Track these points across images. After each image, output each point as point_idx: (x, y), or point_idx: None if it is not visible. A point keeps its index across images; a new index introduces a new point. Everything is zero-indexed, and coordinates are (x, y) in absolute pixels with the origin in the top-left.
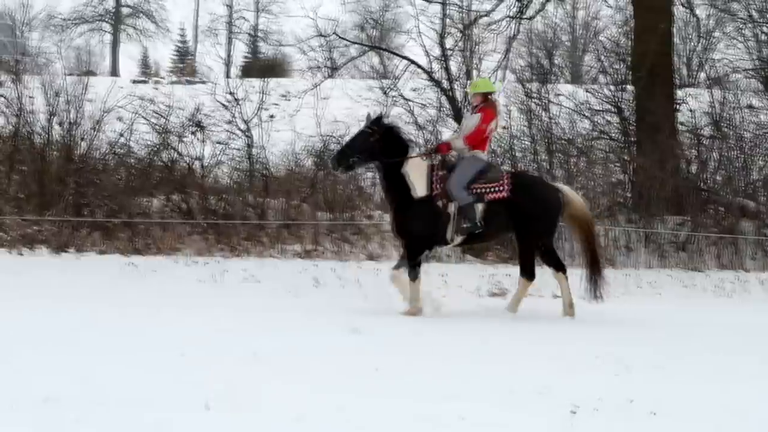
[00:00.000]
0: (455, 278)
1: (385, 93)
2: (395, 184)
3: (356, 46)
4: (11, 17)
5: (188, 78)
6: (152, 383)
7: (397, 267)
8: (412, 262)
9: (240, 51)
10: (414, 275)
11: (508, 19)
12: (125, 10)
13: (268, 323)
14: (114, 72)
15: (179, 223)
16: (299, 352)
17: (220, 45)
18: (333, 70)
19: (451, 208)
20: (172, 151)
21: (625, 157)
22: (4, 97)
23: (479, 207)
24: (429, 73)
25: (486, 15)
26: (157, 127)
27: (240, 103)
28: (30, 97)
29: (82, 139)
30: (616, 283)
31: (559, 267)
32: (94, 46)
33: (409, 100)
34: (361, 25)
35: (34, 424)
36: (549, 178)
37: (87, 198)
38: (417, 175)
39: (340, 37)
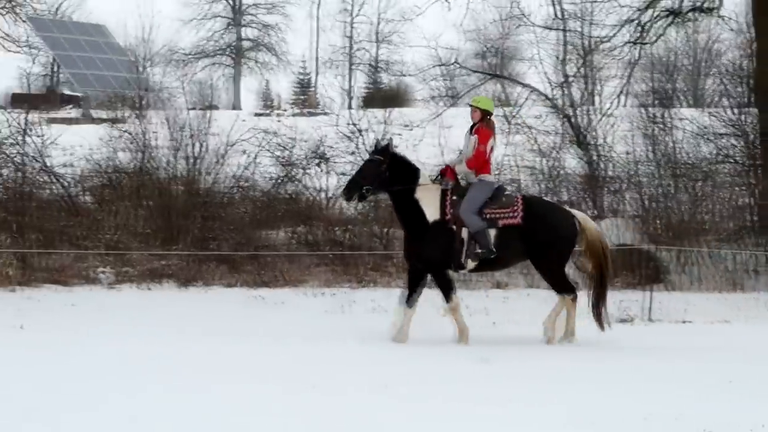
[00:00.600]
0: (583, 305)
1: (507, 120)
2: (409, 211)
3: (477, 74)
4: (134, 53)
5: (310, 110)
6: (285, 415)
7: (410, 302)
8: (445, 288)
9: (361, 81)
10: (450, 298)
11: (628, 44)
12: (246, 44)
13: (397, 353)
14: (235, 105)
15: (305, 255)
16: (429, 381)
17: (341, 76)
18: (454, 98)
19: (464, 234)
20: (297, 183)
21: (751, 181)
22: (129, 133)
23: (492, 233)
24: (550, 100)
25: (606, 41)
26: (280, 159)
27: (363, 133)
28: (153, 132)
29: (207, 173)
30: (746, 306)
31: (566, 291)
32: (215, 80)
33: (531, 128)
34: (481, 54)
35: None
36: (566, 204)
37: (212, 231)
38: (430, 200)
39: (460, 66)
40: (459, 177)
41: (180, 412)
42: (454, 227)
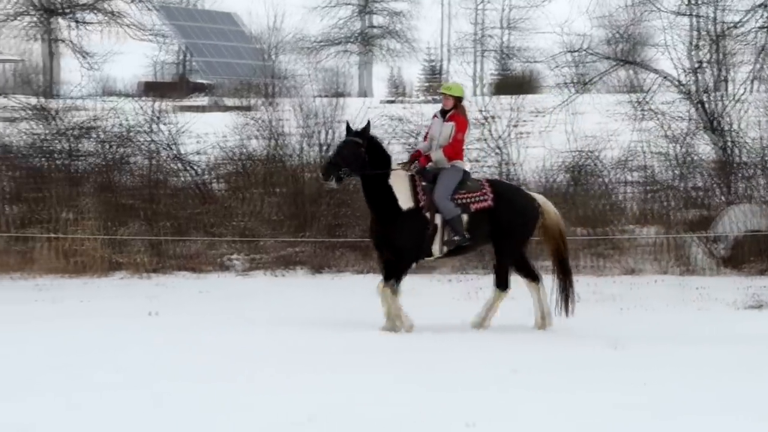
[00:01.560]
0: (713, 291)
1: (636, 107)
2: (381, 197)
3: (607, 60)
4: (262, 41)
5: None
6: (421, 401)
7: (386, 282)
8: (400, 275)
9: (489, 68)
10: (396, 290)
11: (760, 30)
12: (375, 31)
13: (526, 339)
14: (364, 92)
15: None
16: (559, 367)
17: (469, 63)
18: (583, 85)
19: (437, 220)
20: None
21: None
22: (259, 121)
23: (464, 218)
24: (680, 86)
25: (736, 26)
26: (409, 146)
27: (492, 120)
28: (281, 120)
29: None
30: None
31: (533, 277)
32: (343, 67)
33: (662, 113)
34: (609, 40)
35: None
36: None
37: (342, 218)
38: (401, 187)
39: (590, 52)
40: (429, 164)
41: (308, 398)
42: (428, 214)
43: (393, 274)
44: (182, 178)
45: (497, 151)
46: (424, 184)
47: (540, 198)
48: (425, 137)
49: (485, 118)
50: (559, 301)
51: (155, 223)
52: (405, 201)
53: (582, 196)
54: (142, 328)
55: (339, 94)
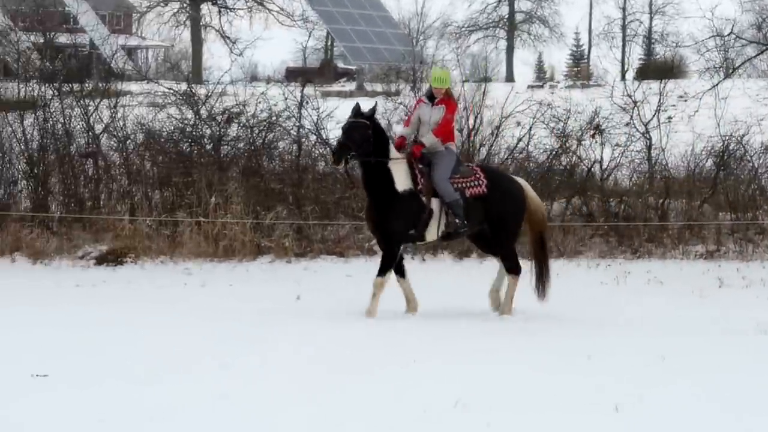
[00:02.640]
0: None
1: None
2: (381, 181)
3: (754, 45)
4: (408, 27)
5: (583, 81)
6: (557, 386)
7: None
8: (390, 260)
9: (635, 53)
10: (385, 273)
11: None
12: (519, 17)
13: (673, 324)
14: (509, 77)
15: (580, 226)
16: (706, 352)
17: (616, 48)
18: (732, 71)
19: (434, 205)
20: (572, 155)
21: None
22: (404, 105)
23: (461, 203)
24: None
25: None
26: (555, 131)
27: (638, 105)
28: None
29: (482, 144)
30: None
31: (513, 270)
32: (489, 52)
33: None
34: (758, 24)
35: (442, 429)
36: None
37: None
38: (400, 171)
39: (737, 37)
40: (423, 150)
41: (453, 386)
42: (424, 198)
43: (384, 264)
44: (328, 164)
45: (646, 135)
46: (420, 167)
47: (523, 182)
48: (406, 123)
49: (634, 103)
50: (537, 284)
51: (300, 207)
52: (403, 184)
53: (729, 182)
54: (289, 316)
55: (484, 79)
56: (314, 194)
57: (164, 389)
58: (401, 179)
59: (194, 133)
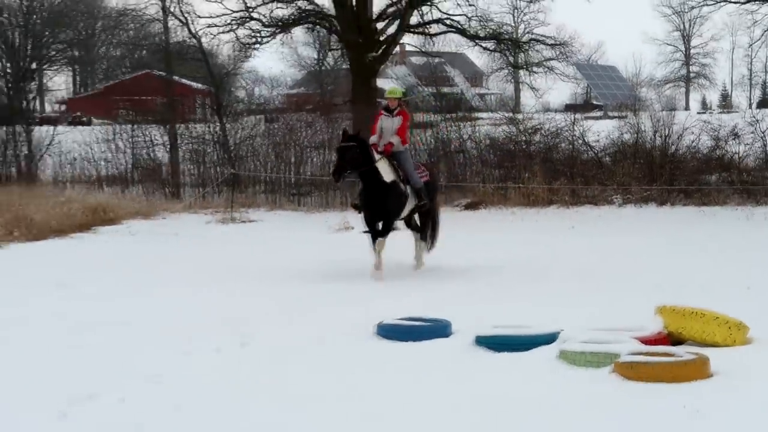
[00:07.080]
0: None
1: None
2: (373, 179)
3: None
4: (631, 80)
5: (728, 109)
6: None
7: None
8: (389, 231)
9: (756, 94)
10: (385, 236)
11: None
12: (693, 74)
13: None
14: (687, 107)
15: (726, 187)
16: None
17: (746, 90)
18: None
19: (408, 190)
20: (722, 149)
21: None
22: (629, 123)
23: (423, 188)
24: None
25: None
26: (712, 135)
27: (759, 122)
28: (641, 121)
29: (672, 143)
30: None
31: (425, 236)
32: (675, 94)
33: None
34: None
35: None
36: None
37: (677, 176)
38: (385, 168)
39: None
40: (392, 148)
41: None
42: (403, 185)
43: (386, 232)
44: (586, 155)
45: (763, 139)
46: (394, 162)
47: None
48: (372, 132)
49: (756, 120)
50: (429, 241)
51: (574, 178)
52: (387, 176)
53: None
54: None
55: (673, 108)
56: (582, 172)
57: None
58: (386, 173)
59: (515, 139)
